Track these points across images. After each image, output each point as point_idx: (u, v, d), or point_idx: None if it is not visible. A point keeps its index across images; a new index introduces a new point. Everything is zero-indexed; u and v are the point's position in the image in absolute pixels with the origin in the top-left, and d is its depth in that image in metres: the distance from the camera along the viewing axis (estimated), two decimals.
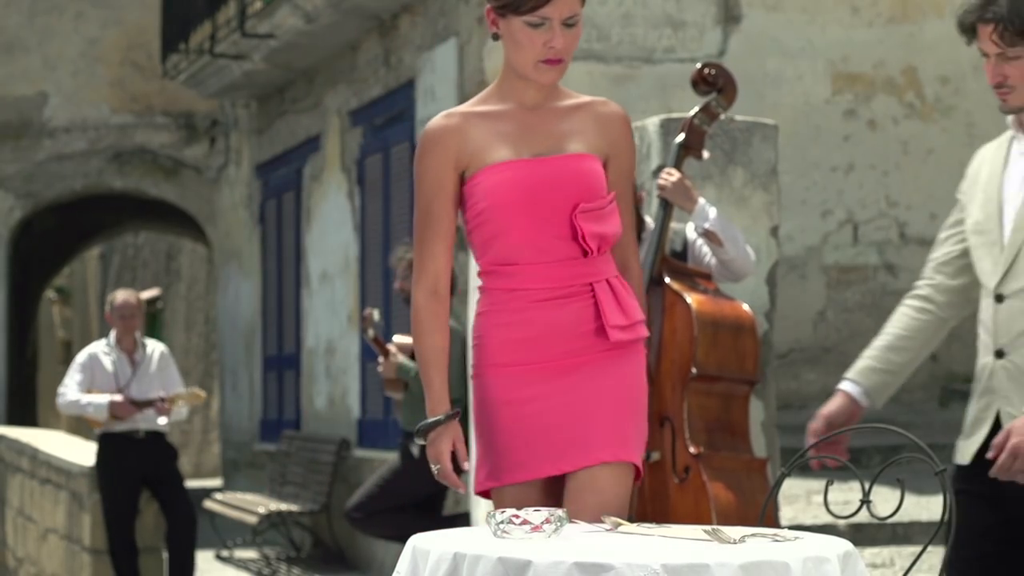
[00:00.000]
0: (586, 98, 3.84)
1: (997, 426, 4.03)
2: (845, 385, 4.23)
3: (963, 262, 4.19)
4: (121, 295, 10.17)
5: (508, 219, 3.72)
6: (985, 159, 4.23)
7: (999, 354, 4.04)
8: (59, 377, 10.37)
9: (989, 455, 3.84)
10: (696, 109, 6.16)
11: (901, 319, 4.24)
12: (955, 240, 4.21)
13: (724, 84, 6.14)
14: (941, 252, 4.24)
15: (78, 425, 24.19)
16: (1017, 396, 3.99)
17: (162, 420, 9.96)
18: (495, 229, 3.73)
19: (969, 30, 4.07)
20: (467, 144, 3.76)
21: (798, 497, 7.86)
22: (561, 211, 3.70)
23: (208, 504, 13.48)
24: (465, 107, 3.83)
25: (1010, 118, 4.17)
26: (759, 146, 7.02)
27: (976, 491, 3.92)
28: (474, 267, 9.35)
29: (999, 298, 4.04)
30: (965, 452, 4.10)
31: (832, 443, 4.08)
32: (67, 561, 11.04)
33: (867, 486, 3.92)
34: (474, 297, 9.30)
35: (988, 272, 4.09)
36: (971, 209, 4.17)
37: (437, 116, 3.84)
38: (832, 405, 4.19)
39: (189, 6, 15.76)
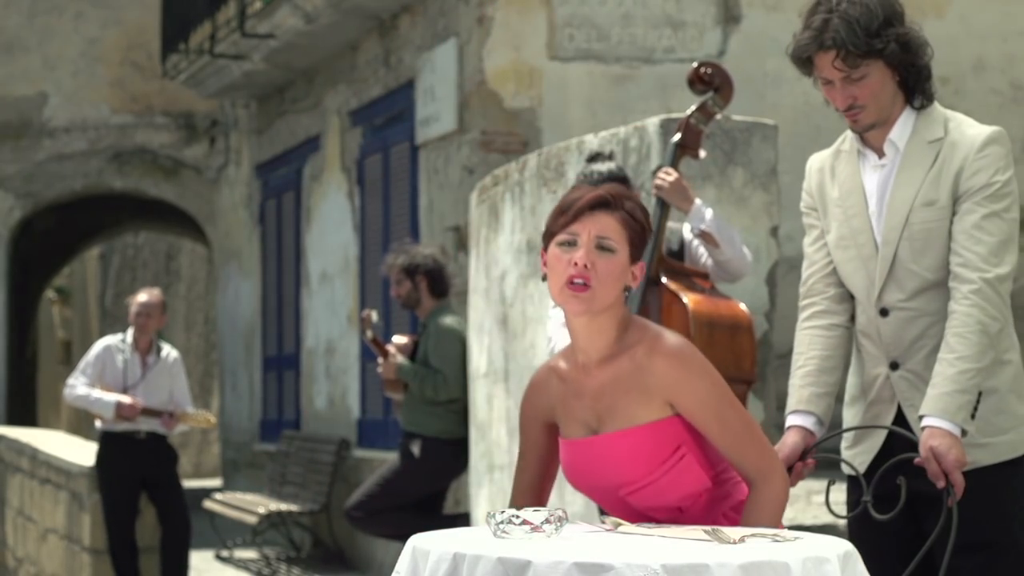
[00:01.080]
0: (646, 339, 3.55)
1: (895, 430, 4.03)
2: (797, 419, 4.04)
3: None
4: (145, 293, 10.14)
5: (581, 490, 3.65)
6: (825, 171, 4.20)
7: (894, 366, 4.04)
8: (59, 377, 10.38)
9: (940, 484, 3.80)
10: (692, 108, 6.16)
11: (817, 340, 4.14)
12: (828, 250, 4.18)
13: (721, 83, 6.14)
14: (821, 264, 4.18)
15: (78, 425, 24.19)
16: (921, 401, 3.98)
17: (164, 430, 9.96)
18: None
19: (806, 62, 4.05)
20: (549, 402, 3.67)
21: (798, 497, 7.86)
22: (613, 491, 3.57)
23: (208, 504, 13.48)
24: (554, 361, 3.69)
25: (849, 134, 4.15)
26: (759, 146, 7.02)
27: (881, 495, 3.91)
28: (474, 267, 9.39)
29: (883, 312, 4.04)
30: (856, 461, 4.07)
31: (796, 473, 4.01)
32: (67, 561, 11.03)
33: (867, 486, 3.92)
34: (474, 298, 9.33)
35: (863, 286, 4.08)
36: (828, 224, 4.14)
37: (542, 365, 3.75)
38: (787, 448, 3.98)
39: (189, 6, 15.76)
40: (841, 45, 3.94)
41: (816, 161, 4.25)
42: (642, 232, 3.54)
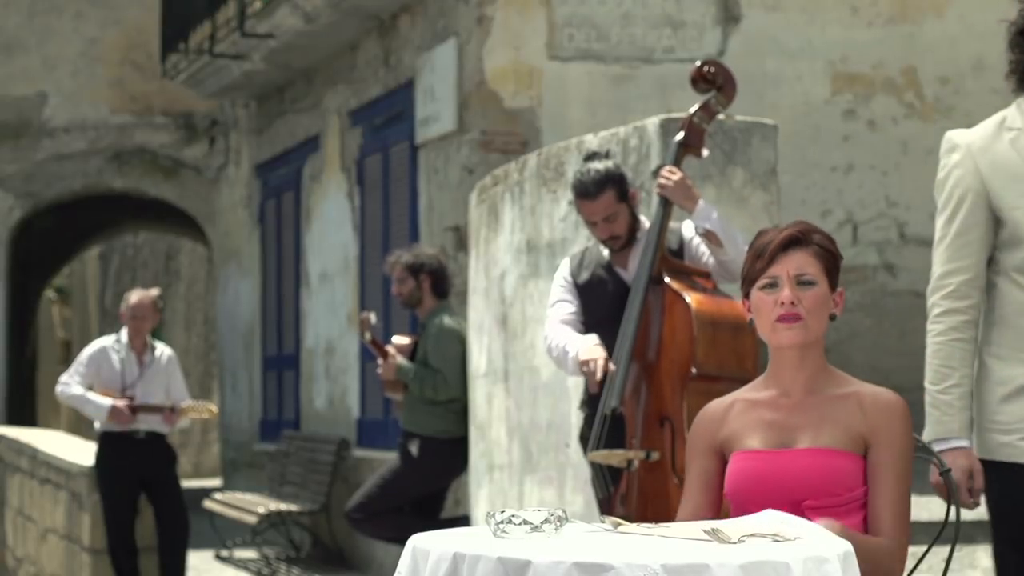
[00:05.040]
0: (861, 385, 3.71)
1: None
2: (964, 443, 4.07)
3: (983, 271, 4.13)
4: (136, 295, 10.13)
5: (741, 507, 3.66)
6: (990, 149, 4.16)
7: None
8: (58, 377, 10.34)
9: None
10: (695, 107, 6.16)
11: (969, 357, 4.10)
12: (978, 250, 4.14)
13: (723, 82, 6.14)
14: (969, 263, 4.13)
15: (78, 425, 24.19)
16: None
17: (165, 428, 9.96)
18: (735, 513, 3.71)
19: None
20: (723, 430, 3.75)
21: None
22: (794, 506, 3.59)
23: (208, 504, 13.48)
24: (737, 393, 3.82)
25: (1007, 114, 4.15)
26: (758, 146, 7.02)
27: None
28: (473, 267, 9.37)
29: None
30: None
31: None
32: (67, 561, 11.03)
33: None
34: (474, 298, 9.32)
35: None
36: (1014, 201, 4.07)
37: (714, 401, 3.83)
38: (960, 471, 4.01)
39: (189, 6, 15.75)
40: None
41: (965, 138, 4.25)
42: (835, 260, 3.72)
